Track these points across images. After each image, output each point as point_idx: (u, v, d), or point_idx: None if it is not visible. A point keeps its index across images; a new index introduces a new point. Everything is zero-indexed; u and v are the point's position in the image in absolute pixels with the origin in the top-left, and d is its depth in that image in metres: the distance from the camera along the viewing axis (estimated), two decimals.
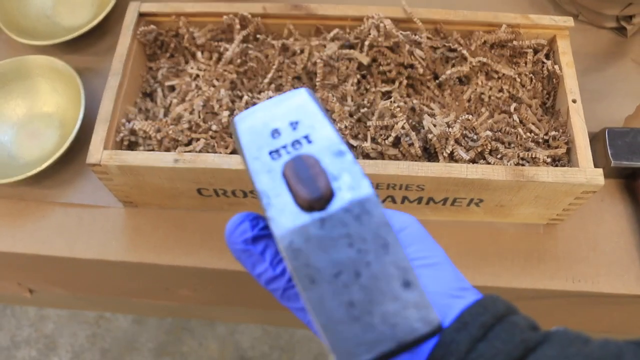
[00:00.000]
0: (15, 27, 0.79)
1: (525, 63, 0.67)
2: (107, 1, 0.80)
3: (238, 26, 0.66)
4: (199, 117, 0.60)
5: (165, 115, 0.65)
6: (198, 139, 0.59)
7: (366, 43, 0.62)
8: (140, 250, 0.67)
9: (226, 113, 0.59)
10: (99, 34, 0.82)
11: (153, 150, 0.63)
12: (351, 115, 0.61)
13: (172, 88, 0.68)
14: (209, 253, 0.66)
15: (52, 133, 0.74)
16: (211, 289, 0.86)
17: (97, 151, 0.59)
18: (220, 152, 0.58)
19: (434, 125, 0.58)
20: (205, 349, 1.44)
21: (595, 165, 0.58)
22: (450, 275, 0.32)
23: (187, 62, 0.69)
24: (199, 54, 0.66)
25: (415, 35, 0.64)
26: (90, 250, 0.68)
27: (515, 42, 0.67)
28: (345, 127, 0.58)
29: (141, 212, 0.69)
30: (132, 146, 0.64)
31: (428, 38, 0.65)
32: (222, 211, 0.67)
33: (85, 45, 0.81)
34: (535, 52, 0.68)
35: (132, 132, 0.63)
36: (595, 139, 0.69)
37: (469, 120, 0.59)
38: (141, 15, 0.68)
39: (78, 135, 0.70)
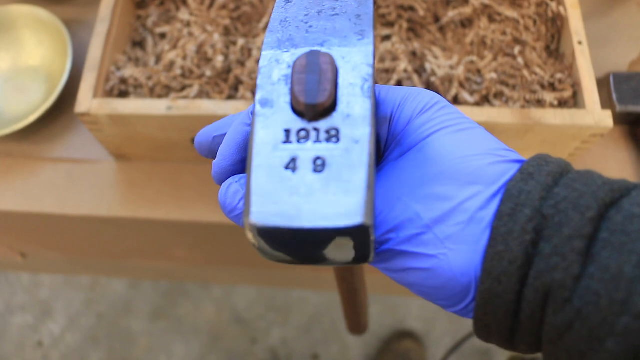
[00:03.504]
0: None
1: (529, 5, 0.65)
2: None
3: None
4: (192, 63, 0.58)
5: (157, 63, 0.62)
6: (192, 85, 0.57)
7: None
8: (133, 205, 0.65)
9: (220, 58, 0.57)
10: None
11: (144, 96, 0.60)
12: None
13: (162, 36, 0.65)
14: (205, 207, 0.64)
15: (39, 87, 0.72)
16: (207, 247, 0.85)
17: (86, 99, 0.56)
18: (216, 98, 0.56)
19: (438, 67, 0.56)
20: (201, 311, 1.43)
21: None
22: (489, 137, 0.27)
23: (177, 9, 0.66)
24: (190, 0, 0.63)
25: None
26: (82, 207, 0.66)
27: None
28: None
29: (133, 166, 0.67)
30: (122, 96, 0.61)
31: None
32: None
33: None
34: None
35: (123, 80, 0.60)
36: (599, 84, 0.67)
37: (473, 62, 0.57)
38: None
39: (66, 89, 0.67)
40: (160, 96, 0.58)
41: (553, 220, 0.23)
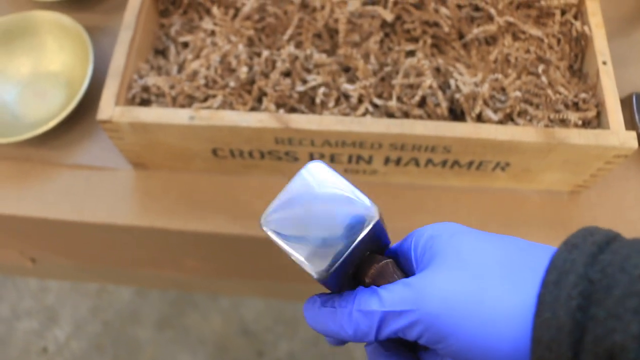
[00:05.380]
0: None
1: (553, 24, 0.65)
2: None
3: None
4: (216, 73, 0.58)
5: (179, 72, 0.62)
6: (215, 96, 0.57)
7: None
8: (150, 215, 0.65)
9: (244, 69, 0.57)
10: None
11: (166, 106, 0.60)
12: (374, 74, 0.58)
13: (185, 45, 0.65)
14: (222, 218, 0.64)
15: (59, 93, 0.72)
16: (218, 259, 0.84)
17: (109, 107, 0.56)
18: (239, 109, 0.56)
19: (463, 84, 0.56)
20: (209, 322, 1.42)
21: None
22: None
23: (201, 19, 0.66)
24: (214, 9, 0.63)
25: None
26: (99, 214, 0.65)
27: (542, 2, 0.64)
28: (370, 84, 0.56)
29: (152, 175, 0.66)
30: (144, 104, 0.61)
31: None
32: (237, 174, 0.65)
33: (94, 3, 0.78)
34: (563, 12, 0.65)
35: (145, 88, 0.60)
36: (621, 104, 0.66)
37: (497, 80, 0.56)
38: None
39: (86, 95, 0.67)
40: (182, 106, 0.58)
41: (601, 284, 0.23)
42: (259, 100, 0.58)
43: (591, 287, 0.23)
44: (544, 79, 0.60)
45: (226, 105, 0.57)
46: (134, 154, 0.62)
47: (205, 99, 0.57)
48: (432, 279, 0.27)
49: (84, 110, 0.70)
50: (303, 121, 0.53)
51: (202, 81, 0.57)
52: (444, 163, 0.59)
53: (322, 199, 0.29)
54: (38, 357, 1.42)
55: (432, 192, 0.65)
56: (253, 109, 0.57)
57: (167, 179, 0.66)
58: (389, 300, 0.28)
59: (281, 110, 0.55)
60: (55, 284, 1.49)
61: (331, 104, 0.55)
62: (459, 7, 0.63)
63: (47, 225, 0.69)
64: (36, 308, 1.47)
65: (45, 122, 0.68)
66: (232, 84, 0.57)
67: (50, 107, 0.71)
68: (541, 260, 0.26)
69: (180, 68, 0.62)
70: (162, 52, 0.66)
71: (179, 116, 0.54)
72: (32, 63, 0.73)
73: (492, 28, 0.61)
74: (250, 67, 0.58)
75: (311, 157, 0.60)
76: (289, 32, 0.60)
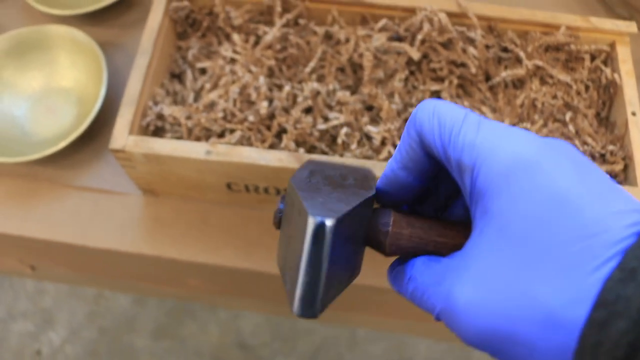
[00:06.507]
0: None
1: (582, 69, 0.63)
2: None
3: (279, 9, 0.61)
4: (235, 105, 0.56)
5: (196, 99, 0.60)
6: (233, 130, 0.55)
7: (419, 37, 0.57)
8: (158, 243, 0.63)
9: (265, 104, 0.55)
10: (124, 6, 0.77)
11: (181, 138, 0.58)
12: (399, 114, 0.56)
13: (203, 71, 0.63)
14: (232, 251, 0.62)
15: (70, 109, 0.70)
16: (223, 282, 0.82)
17: (122, 136, 0.54)
18: (258, 146, 0.54)
19: None
20: (206, 333, 1.40)
21: None
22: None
23: (220, 44, 0.64)
24: (235, 36, 0.62)
25: (469, 31, 0.59)
26: (105, 240, 0.63)
27: (572, 46, 0.62)
28: (394, 127, 0.54)
29: (161, 202, 0.64)
30: (158, 132, 0.59)
31: (482, 36, 0.61)
32: (250, 208, 0.63)
33: (108, 17, 0.76)
34: (593, 58, 0.64)
35: (160, 116, 0.58)
36: None
37: (524, 127, 0.54)
38: None
39: (97, 114, 0.65)
40: (198, 138, 0.56)
41: None
42: (279, 137, 0.56)
43: None
44: (571, 127, 0.58)
45: (244, 139, 0.55)
46: (144, 181, 0.60)
47: (223, 133, 0.56)
48: (465, 266, 0.25)
49: (95, 130, 0.68)
50: None
51: (220, 114, 0.55)
52: None
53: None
54: None
55: None
56: (272, 146, 0.55)
57: (178, 207, 0.64)
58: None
59: (301, 149, 0.54)
60: (53, 287, 1.47)
61: (353, 145, 0.53)
62: (487, 47, 0.61)
63: (51, 245, 0.67)
64: (32, 310, 1.45)
65: (54, 140, 0.67)
66: (251, 118, 0.55)
67: (61, 124, 0.69)
68: (612, 249, 0.21)
69: (197, 95, 0.61)
70: (178, 76, 0.64)
71: (195, 150, 0.53)
72: (43, 78, 0.71)
73: (520, 72, 0.59)
74: (271, 101, 0.56)
75: None
76: (312, 64, 0.59)
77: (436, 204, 0.32)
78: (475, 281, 0.24)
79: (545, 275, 0.22)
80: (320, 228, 0.26)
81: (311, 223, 0.26)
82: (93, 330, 1.43)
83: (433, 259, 0.28)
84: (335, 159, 0.52)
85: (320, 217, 0.26)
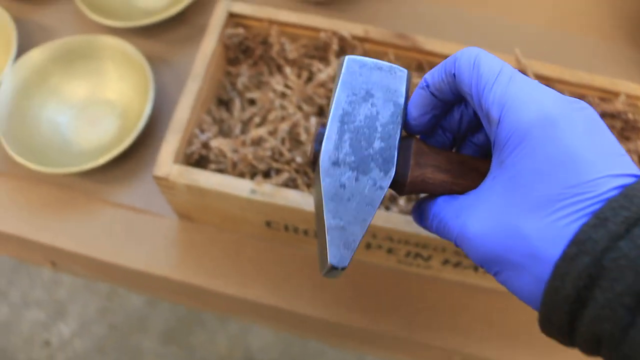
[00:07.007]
0: (90, 2, 0.73)
1: (637, 138, 0.61)
2: None
3: (335, 46, 0.60)
4: (283, 144, 0.55)
5: (243, 131, 0.59)
6: (279, 170, 0.54)
7: None
8: (188, 270, 0.62)
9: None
10: (174, 22, 0.76)
11: (225, 170, 0.57)
12: None
13: (251, 101, 0.62)
14: (263, 287, 0.61)
15: (112, 122, 0.69)
16: (245, 309, 0.81)
17: (166, 164, 0.53)
18: (304, 191, 0.53)
19: None
20: (214, 344, 1.40)
21: None
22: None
23: (271, 74, 0.63)
24: (287, 70, 0.60)
25: None
26: (135, 260, 0.63)
27: (629, 115, 0.60)
28: None
29: (197, 228, 0.64)
30: (201, 160, 0.59)
31: None
32: (287, 245, 0.62)
33: (157, 32, 0.75)
34: None
35: (205, 145, 0.58)
36: None
37: None
38: (230, 15, 0.62)
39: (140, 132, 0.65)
40: (242, 173, 0.55)
41: (609, 275, 0.25)
42: None
43: (601, 273, 0.25)
44: None
45: (289, 181, 0.54)
46: (183, 208, 0.60)
47: (268, 171, 0.54)
48: (477, 203, 0.31)
49: (135, 146, 0.67)
50: None
51: (268, 152, 0.54)
52: None
53: None
54: (40, 349, 1.41)
55: (483, 294, 0.61)
56: None
57: (213, 236, 0.63)
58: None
59: None
60: (68, 279, 1.47)
61: (402, 200, 0.51)
62: None
63: (80, 256, 0.66)
64: (46, 300, 1.46)
65: (93, 152, 0.66)
66: (298, 159, 0.54)
67: (101, 136, 0.68)
68: (597, 205, 0.26)
69: (245, 127, 0.60)
70: (225, 103, 0.63)
71: (241, 188, 0.51)
72: (89, 87, 0.70)
73: None
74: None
75: (368, 247, 0.56)
76: None
77: (456, 134, 0.37)
78: (483, 218, 0.30)
79: (537, 220, 0.27)
80: (334, 270, 0.32)
81: (327, 267, 0.32)
82: (103, 326, 1.43)
83: (452, 198, 0.33)
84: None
85: (340, 264, 0.32)
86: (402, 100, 0.34)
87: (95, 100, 0.70)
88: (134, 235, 0.64)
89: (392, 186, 0.34)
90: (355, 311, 0.60)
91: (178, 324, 1.42)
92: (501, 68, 0.30)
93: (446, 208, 0.33)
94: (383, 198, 0.33)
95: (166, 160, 0.53)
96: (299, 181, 0.53)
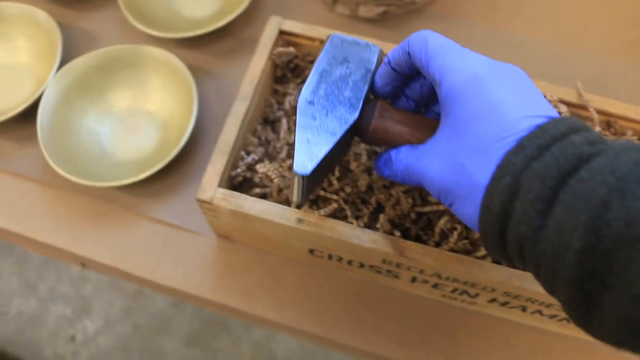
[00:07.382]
0: (136, 10, 0.72)
1: None
2: (237, 1, 0.72)
3: None
4: (332, 173, 0.53)
5: (289, 154, 0.57)
6: (327, 199, 0.52)
7: None
8: (225, 291, 0.61)
9: (364, 177, 0.52)
10: (219, 34, 0.74)
11: (270, 194, 0.55)
12: None
13: None
14: (301, 313, 0.59)
15: (152, 134, 0.68)
16: None
17: (211, 187, 0.52)
18: (352, 224, 0.50)
19: None
20: (238, 349, 1.39)
21: None
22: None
23: None
24: None
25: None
26: (171, 278, 0.61)
27: None
28: None
29: (235, 249, 0.62)
30: (245, 182, 0.57)
31: (599, 132, 0.56)
32: (328, 272, 0.60)
33: (201, 43, 0.74)
34: None
35: (250, 166, 0.56)
36: None
37: None
38: (280, 32, 0.60)
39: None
40: (288, 200, 0.54)
41: (524, 188, 0.30)
42: (375, 217, 0.52)
43: (519, 188, 0.31)
44: None
45: (337, 211, 0.52)
46: (223, 230, 0.58)
47: (316, 199, 0.52)
48: (432, 148, 0.38)
49: (176, 160, 0.66)
50: (419, 252, 0.48)
51: None
52: (553, 316, 0.54)
53: None
54: (66, 344, 1.42)
55: (528, 332, 0.59)
56: (368, 226, 0.52)
57: (252, 258, 0.61)
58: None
59: (397, 232, 0.50)
60: (95, 275, 1.48)
61: (452, 238, 0.49)
62: None
63: (115, 270, 0.65)
64: (72, 295, 1.46)
65: (132, 163, 0.65)
66: (348, 189, 0.52)
67: (140, 148, 0.67)
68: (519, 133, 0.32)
69: (291, 149, 0.58)
70: (271, 123, 0.61)
71: (287, 216, 0.50)
72: (131, 97, 0.69)
73: None
74: (369, 173, 0.53)
75: (413, 280, 0.54)
76: None
77: (418, 102, 0.44)
78: (437, 161, 0.36)
79: (474, 156, 0.33)
80: (301, 178, 0.39)
81: (295, 175, 0.39)
82: (128, 325, 1.43)
83: (413, 147, 0.40)
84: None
85: (301, 171, 0.39)
86: (372, 67, 0.42)
87: (135, 110, 0.69)
88: (170, 252, 0.62)
89: (357, 132, 0.42)
90: (395, 342, 0.58)
91: (202, 327, 1.41)
92: (443, 43, 0.37)
93: (410, 155, 0.39)
94: (345, 133, 0.40)
95: (211, 183, 0.52)
96: (348, 212, 0.51)
